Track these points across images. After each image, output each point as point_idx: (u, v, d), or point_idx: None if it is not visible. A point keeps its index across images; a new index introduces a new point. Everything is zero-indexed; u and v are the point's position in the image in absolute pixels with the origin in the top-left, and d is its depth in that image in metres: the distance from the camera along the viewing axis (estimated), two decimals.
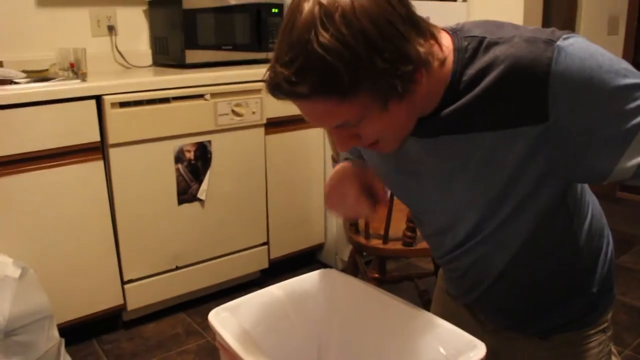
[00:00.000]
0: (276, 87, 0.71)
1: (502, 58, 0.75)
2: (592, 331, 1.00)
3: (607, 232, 1.01)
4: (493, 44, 0.77)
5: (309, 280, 1.02)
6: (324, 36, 0.66)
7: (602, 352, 1.01)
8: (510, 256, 0.91)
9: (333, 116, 0.73)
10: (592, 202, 0.98)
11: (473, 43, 0.79)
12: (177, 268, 2.23)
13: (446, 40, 0.80)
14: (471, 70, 0.78)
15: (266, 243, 2.47)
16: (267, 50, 2.58)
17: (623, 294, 2.41)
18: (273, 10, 2.56)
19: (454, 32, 0.82)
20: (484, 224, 0.88)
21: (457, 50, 0.79)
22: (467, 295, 1.04)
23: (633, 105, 0.72)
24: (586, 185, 0.95)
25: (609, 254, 1.00)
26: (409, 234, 1.70)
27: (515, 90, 0.74)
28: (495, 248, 0.91)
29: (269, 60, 2.55)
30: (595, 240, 0.97)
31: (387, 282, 2.01)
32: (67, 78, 2.03)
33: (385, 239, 1.74)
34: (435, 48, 0.76)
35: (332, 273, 1.03)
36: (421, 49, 0.72)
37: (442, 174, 0.88)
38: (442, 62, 0.79)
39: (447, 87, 0.80)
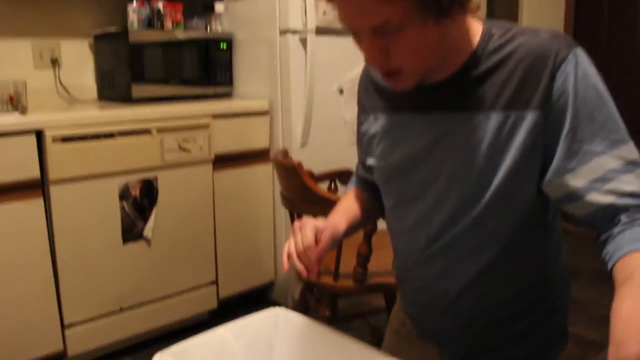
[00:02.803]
0: None
1: (525, 45, 0.83)
2: None
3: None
4: (519, 34, 0.85)
5: (258, 320, 0.99)
6: None
7: None
8: (481, 265, 0.91)
9: (377, 11, 0.74)
10: (563, 246, 1.00)
11: (500, 30, 0.87)
12: (122, 310, 2.13)
13: (476, 24, 0.87)
14: (493, 49, 0.85)
15: (215, 282, 2.40)
16: (216, 84, 2.57)
17: (573, 324, 2.46)
18: (222, 45, 2.56)
19: (484, 20, 0.89)
20: (461, 215, 0.89)
21: (485, 33, 0.87)
22: (428, 312, 1.01)
23: (602, 134, 0.79)
24: (560, 225, 0.97)
25: (569, 296, 1.02)
26: (360, 270, 1.69)
27: (529, 75, 0.81)
28: (467, 252, 0.91)
29: (217, 95, 2.56)
30: (565, 276, 0.99)
31: (339, 320, 1.98)
32: (6, 111, 1.95)
33: (336, 276, 1.72)
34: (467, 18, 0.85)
35: (282, 312, 1.00)
36: None
37: (442, 152, 0.89)
38: (469, 36, 0.86)
39: (469, 57, 0.86)
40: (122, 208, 2.06)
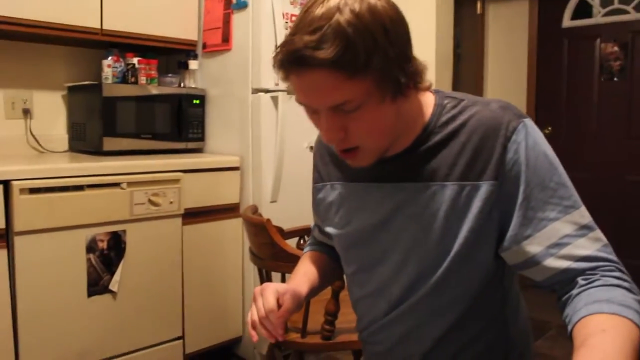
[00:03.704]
0: (294, 53, 0.75)
1: (477, 116, 0.86)
2: None
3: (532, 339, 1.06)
4: (470, 105, 0.89)
5: None
6: (349, 16, 0.74)
7: None
8: (442, 330, 0.92)
9: (338, 91, 0.77)
10: (522, 306, 1.02)
11: (453, 102, 0.90)
12: None
13: (428, 96, 0.91)
14: (446, 120, 0.88)
15: (181, 337, 2.35)
16: (187, 140, 2.60)
17: None
18: (194, 101, 2.61)
19: (436, 91, 0.92)
20: (421, 281, 0.90)
21: (437, 105, 0.90)
22: None
23: (554, 201, 0.83)
24: (517, 286, 1.00)
25: (531, 354, 1.04)
26: (327, 327, 1.69)
27: (482, 146, 0.85)
28: (428, 317, 0.92)
29: (188, 150, 2.59)
30: (526, 336, 1.01)
31: None
32: None
33: (304, 333, 1.72)
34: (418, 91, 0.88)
35: None
36: (413, 69, 0.82)
37: (400, 222, 0.91)
38: (422, 109, 0.89)
39: (422, 130, 0.89)
40: (89, 260, 2.03)
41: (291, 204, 2.45)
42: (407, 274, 0.92)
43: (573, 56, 3.74)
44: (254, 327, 0.94)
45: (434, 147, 0.89)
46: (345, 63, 0.74)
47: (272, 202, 2.43)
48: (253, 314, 0.94)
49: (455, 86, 3.61)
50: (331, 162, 1.04)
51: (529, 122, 0.86)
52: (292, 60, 0.76)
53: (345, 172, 1.00)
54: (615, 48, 3.55)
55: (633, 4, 3.47)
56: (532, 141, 0.84)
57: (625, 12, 3.51)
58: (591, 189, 3.57)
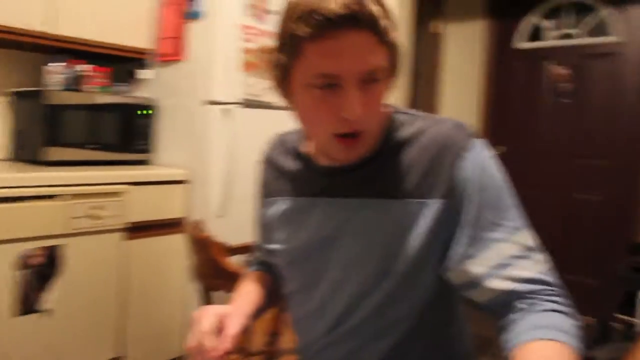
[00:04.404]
0: (345, 9, 0.75)
1: (430, 134, 0.86)
2: None
3: None
4: (424, 122, 0.89)
5: None
6: None
7: None
8: (383, 353, 0.89)
9: (374, 55, 0.79)
10: (466, 326, 1.01)
11: (406, 118, 0.90)
12: None
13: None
14: (399, 137, 0.88)
15: (122, 358, 2.26)
16: (135, 151, 2.52)
17: None
18: (144, 111, 2.53)
19: (390, 106, 0.92)
20: (362, 301, 0.88)
21: (392, 120, 0.90)
22: None
23: (501, 222, 0.82)
24: (461, 307, 0.99)
25: None
26: (269, 348, 1.64)
27: (432, 164, 0.84)
28: (368, 340, 0.90)
29: (136, 161, 2.51)
30: (469, 357, 0.99)
31: None
32: None
33: (244, 354, 1.66)
34: None
35: None
36: None
37: (342, 239, 0.89)
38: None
39: (379, 141, 0.88)
40: (20, 277, 1.93)
41: (241, 219, 2.40)
42: (346, 293, 0.90)
43: (525, 77, 3.82)
44: (191, 355, 0.89)
45: (384, 162, 0.88)
46: (381, 27, 0.78)
47: (219, 216, 2.37)
48: (191, 341, 0.89)
49: (412, 103, 3.65)
50: (280, 176, 1.02)
51: (481, 143, 0.86)
52: (340, 18, 0.75)
53: (292, 186, 0.98)
54: (565, 71, 3.64)
55: (584, 30, 3.57)
56: (482, 161, 0.84)
57: (575, 36, 3.61)
58: (541, 206, 3.64)
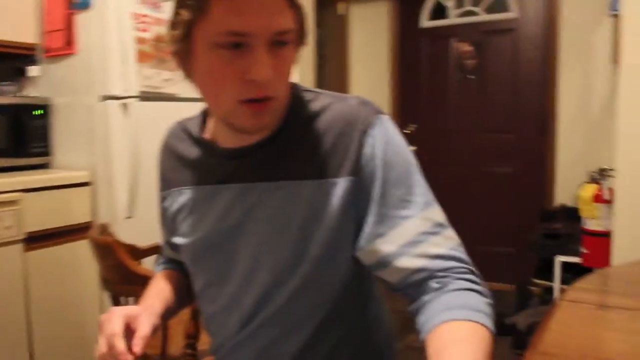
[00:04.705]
0: None
1: (334, 111, 0.83)
2: None
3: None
4: (328, 99, 0.86)
5: None
6: None
7: None
8: (300, 345, 0.86)
9: (283, 16, 0.76)
10: (385, 308, 1.00)
11: (310, 95, 0.87)
12: None
13: None
14: (303, 115, 0.84)
15: None
16: (30, 155, 2.34)
17: None
18: (36, 111, 2.35)
19: (292, 84, 0.87)
20: (275, 291, 0.84)
21: (295, 97, 0.86)
22: None
23: (410, 198, 0.81)
24: (378, 293, 0.97)
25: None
26: (189, 351, 1.58)
27: (338, 141, 0.81)
28: (284, 331, 0.86)
29: (32, 166, 2.33)
30: (389, 344, 0.99)
31: None
32: None
33: (163, 359, 1.59)
34: None
35: None
36: None
37: (251, 226, 0.85)
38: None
39: (282, 118, 0.84)
40: None
41: (150, 219, 2.27)
42: (258, 283, 0.86)
43: (431, 55, 3.91)
44: None
45: (289, 141, 0.84)
46: None
47: (128, 217, 2.25)
48: (100, 347, 0.82)
49: (321, 86, 3.63)
50: (178, 165, 0.96)
51: (386, 118, 0.85)
52: None
53: (194, 174, 0.93)
54: (469, 47, 3.75)
55: (484, 7, 3.69)
56: (388, 137, 0.82)
57: (477, 13, 3.72)
58: (453, 181, 3.76)
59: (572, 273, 2.67)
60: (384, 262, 0.81)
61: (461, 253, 0.81)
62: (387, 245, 0.80)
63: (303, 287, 0.84)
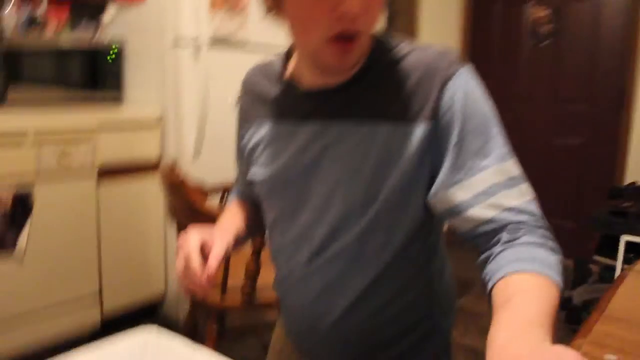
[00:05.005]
0: None
1: (416, 56, 0.83)
2: None
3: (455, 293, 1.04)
4: (410, 45, 0.86)
5: (125, 344, 0.90)
6: None
7: None
8: (364, 283, 0.88)
9: None
10: (448, 266, 1.00)
11: (391, 39, 0.88)
12: None
13: None
14: (384, 58, 0.84)
15: (99, 297, 2.24)
16: (104, 88, 2.42)
17: (462, 335, 2.54)
18: (111, 55, 2.42)
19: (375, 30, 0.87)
20: (345, 227, 0.86)
21: (377, 40, 0.86)
22: (309, 333, 0.97)
23: (487, 149, 0.80)
24: (444, 246, 0.97)
25: (453, 317, 1.02)
26: (248, 288, 1.63)
27: (419, 86, 0.81)
28: (351, 268, 0.88)
29: (106, 99, 2.41)
30: (449, 297, 0.99)
31: (228, 337, 1.91)
32: None
33: (224, 292, 1.65)
34: None
35: (155, 333, 0.93)
36: None
37: (327, 163, 0.87)
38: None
39: (364, 61, 0.85)
40: None
41: (215, 160, 2.35)
42: (329, 219, 0.87)
43: (505, 20, 3.76)
44: (181, 278, 0.89)
45: (369, 83, 0.84)
46: None
47: (194, 157, 2.31)
48: (178, 265, 0.88)
49: None
50: (260, 101, 0.98)
51: (468, 69, 0.83)
52: None
53: (273, 110, 0.94)
54: (546, 12, 3.58)
55: None
56: (470, 87, 0.81)
57: None
58: (522, 151, 3.64)
59: (636, 253, 2.58)
60: (457, 210, 0.80)
61: (535, 208, 0.80)
62: (460, 193, 0.79)
63: (370, 229, 0.85)
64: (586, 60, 3.47)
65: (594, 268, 2.86)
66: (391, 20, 3.68)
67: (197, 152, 2.32)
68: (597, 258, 2.84)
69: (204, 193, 1.87)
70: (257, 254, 1.60)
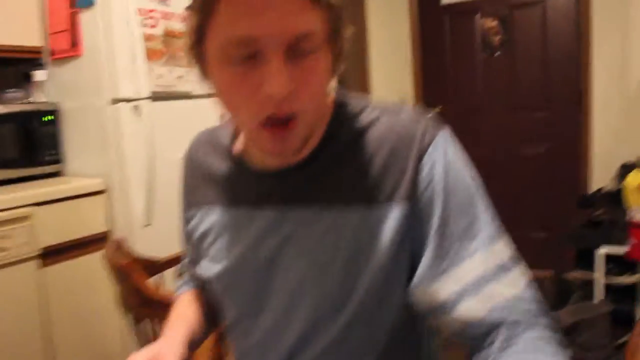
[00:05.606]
0: None
1: (387, 124, 0.71)
2: None
3: None
4: (377, 109, 0.73)
5: None
6: None
7: None
8: None
9: (304, 17, 0.62)
10: (437, 352, 0.88)
11: (355, 102, 0.75)
12: None
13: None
14: (349, 129, 0.72)
15: None
16: (42, 164, 2.25)
17: None
18: (46, 117, 2.25)
19: (337, 93, 0.76)
20: (318, 332, 0.73)
21: (338, 105, 0.75)
22: None
23: (475, 230, 0.68)
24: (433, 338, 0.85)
25: None
26: None
27: (392, 160, 0.69)
28: None
29: (42, 176, 2.22)
30: None
31: None
32: None
33: None
34: None
35: None
36: None
37: (290, 257, 0.74)
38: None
39: (324, 133, 0.72)
40: None
41: (169, 226, 2.17)
42: (298, 321, 0.75)
43: (454, 33, 3.72)
44: None
45: (332, 161, 0.72)
46: None
47: (146, 225, 2.15)
48: None
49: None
50: (206, 182, 0.85)
51: (446, 135, 0.72)
52: None
53: (223, 195, 0.82)
54: (495, 23, 3.55)
55: None
56: (450, 157, 0.70)
57: None
58: (484, 162, 3.57)
59: (617, 264, 2.51)
60: (442, 309, 0.68)
61: (530, 295, 0.68)
62: (446, 287, 0.68)
63: (349, 331, 0.73)
64: (539, 66, 3.45)
65: (574, 282, 2.79)
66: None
67: (148, 219, 2.15)
68: (576, 274, 2.77)
69: (157, 268, 1.71)
70: (221, 340, 1.44)
